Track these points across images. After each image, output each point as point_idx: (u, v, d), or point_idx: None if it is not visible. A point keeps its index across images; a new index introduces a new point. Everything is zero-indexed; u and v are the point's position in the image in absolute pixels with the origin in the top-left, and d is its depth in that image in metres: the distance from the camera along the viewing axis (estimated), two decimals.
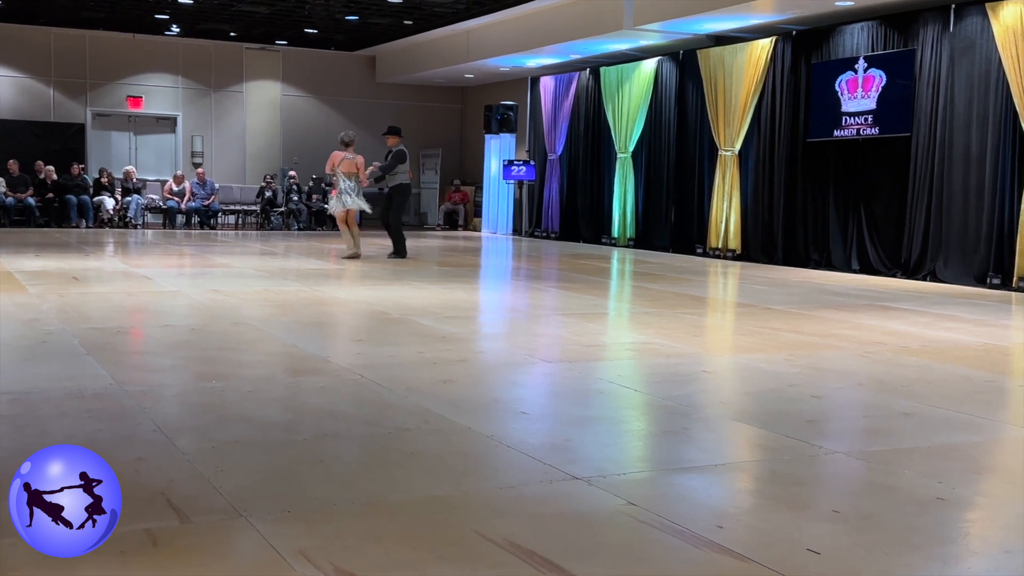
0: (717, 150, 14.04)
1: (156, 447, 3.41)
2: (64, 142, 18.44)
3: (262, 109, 20.08)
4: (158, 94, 19.35)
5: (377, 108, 20.47)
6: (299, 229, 18.25)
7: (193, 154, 19.64)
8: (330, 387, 4.45)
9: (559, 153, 17.44)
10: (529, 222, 18.31)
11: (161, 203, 18.04)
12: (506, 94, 19.34)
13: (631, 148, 15.69)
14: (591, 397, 4.43)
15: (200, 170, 18.51)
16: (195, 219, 18.09)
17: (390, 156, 12.16)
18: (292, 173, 18.86)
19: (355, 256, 11.86)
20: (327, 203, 11.95)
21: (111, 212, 17.46)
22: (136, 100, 19.15)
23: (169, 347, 5.48)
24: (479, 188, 20.00)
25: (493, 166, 18.98)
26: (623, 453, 3.58)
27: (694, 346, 5.95)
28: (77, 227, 16.91)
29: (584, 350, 5.71)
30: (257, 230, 18.25)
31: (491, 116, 18.65)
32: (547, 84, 17.79)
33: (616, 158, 15.99)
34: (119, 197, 17.68)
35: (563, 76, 17.43)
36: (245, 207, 18.98)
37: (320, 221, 18.48)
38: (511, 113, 18.55)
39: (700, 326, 7.04)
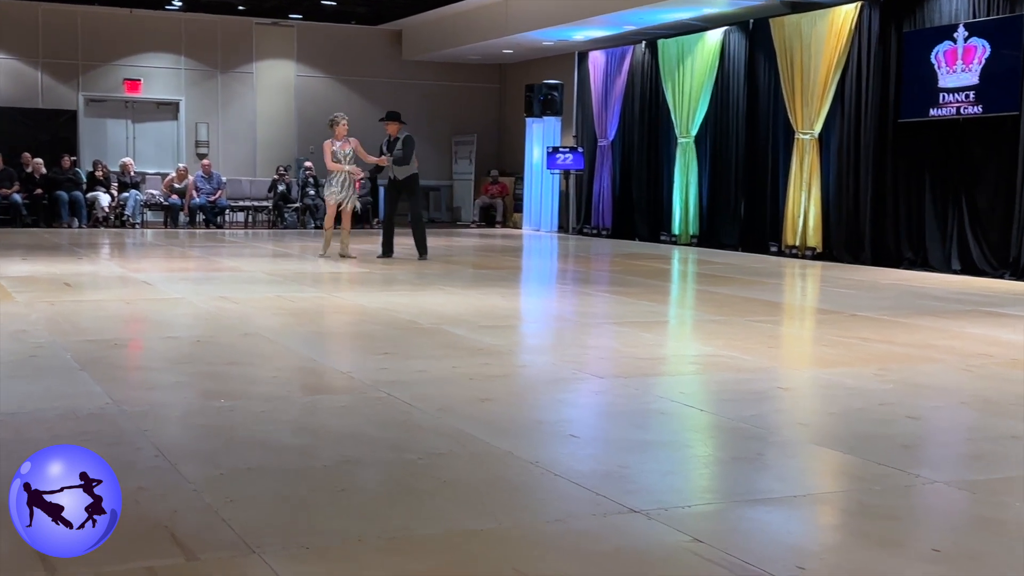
0: (793, 133, 13.90)
1: (158, 475, 3.46)
2: (54, 131, 18.71)
3: (275, 92, 20.26)
4: (158, 76, 19.60)
5: (404, 89, 20.57)
6: (316, 227, 18.24)
7: (198, 143, 19.86)
8: (352, 406, 4.51)
9: (611, 138, 17.39)
10: (577, 218, 18.28)
11: (162, 199, 18.26)
12: (550, 72, 19.28)
13: (694, 132, 15.61)
14: (650, 418, 4.44)
15: (205, 162, 18.74)
16: (200, 217, 18.29)
17: (401, 143, 12.14)
18: (308, 164, 18.98)
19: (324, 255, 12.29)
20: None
21: (106, 210, 17.71)
22: (134, 84, 19.42)
23: (172, 361, 5.57)
24: (519, 179, 19.98)
25: (535, 154, 18.95)
26: (687, 482, 3.59)
27: (768, 359, 5.95)
28: (68, 227, 17.17)
29: (641, 364, 5.75)
30: (269, 228, 18.41)
31: (533, 97, 18.63)
32: (597, 60, 17.74)
33: (676, 143, 15.89)
34: (115, 193, 17.91)
35: (615, 50, 17.35)
36: (256, 203, 19.14)
37: (340, 219, 18.53)
38: (556, 93, 18.53)
39: (775, 336, 7.01)
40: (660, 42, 16.29)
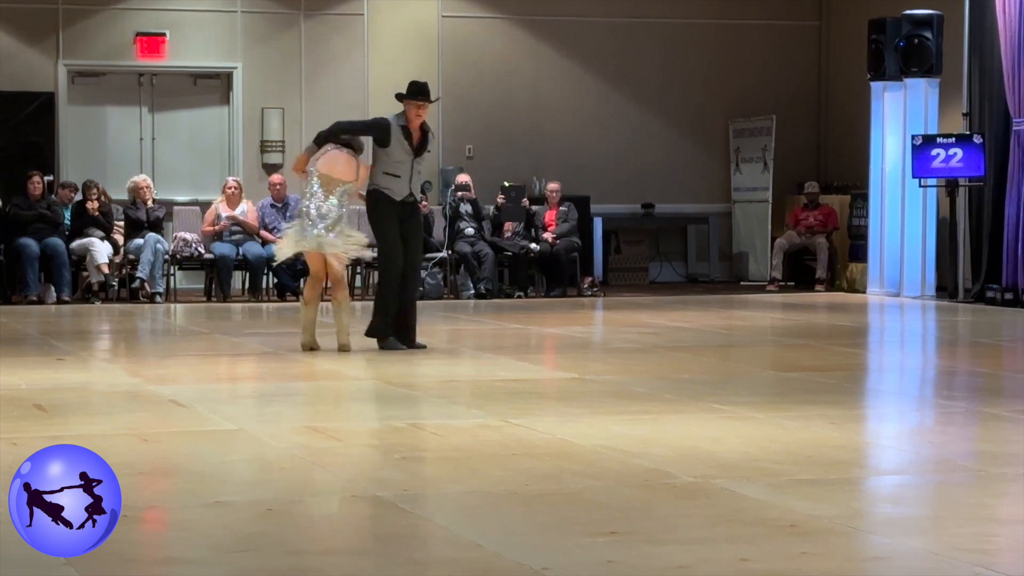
0: None
1: None
2: (14, 132, 19.45)
3: (403, 48, 20.67)
4: (196, 28, 20.28)
5: (634, 35, 20.68)
6: (480, 295, 18.63)
7: (265, 146, 20.37)
8: None
9: None
10: (974, 271, 18.16)
11: (201, 248, 18.66)
12: None
13: None
14: None
15: (278, 177, 19.01)
16: (270, 279, 18.62)
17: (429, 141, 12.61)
18: (463, 179, 19.25)
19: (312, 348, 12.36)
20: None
21: (106, 270, 18.16)
22: (154, 42, 19.97)
23: (222, 548, 5.65)
24: (859, 199, 20.10)
25: (889, 150, 18.95)
26: None
27: None
28: (40, 301, 17.77)
29: None
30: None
31: (884, 42, 18.72)
32: None
33: None
34: (120, 239, 18.49)
35: None
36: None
37: (520, 277, 18.86)
38: (929, 35, 18.45)
39: None
40: None
